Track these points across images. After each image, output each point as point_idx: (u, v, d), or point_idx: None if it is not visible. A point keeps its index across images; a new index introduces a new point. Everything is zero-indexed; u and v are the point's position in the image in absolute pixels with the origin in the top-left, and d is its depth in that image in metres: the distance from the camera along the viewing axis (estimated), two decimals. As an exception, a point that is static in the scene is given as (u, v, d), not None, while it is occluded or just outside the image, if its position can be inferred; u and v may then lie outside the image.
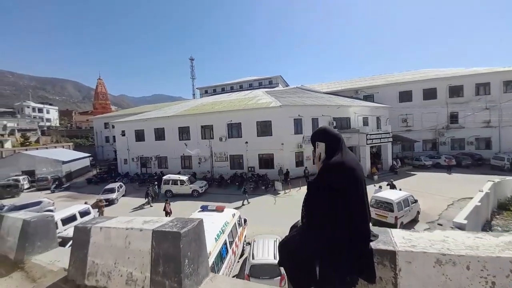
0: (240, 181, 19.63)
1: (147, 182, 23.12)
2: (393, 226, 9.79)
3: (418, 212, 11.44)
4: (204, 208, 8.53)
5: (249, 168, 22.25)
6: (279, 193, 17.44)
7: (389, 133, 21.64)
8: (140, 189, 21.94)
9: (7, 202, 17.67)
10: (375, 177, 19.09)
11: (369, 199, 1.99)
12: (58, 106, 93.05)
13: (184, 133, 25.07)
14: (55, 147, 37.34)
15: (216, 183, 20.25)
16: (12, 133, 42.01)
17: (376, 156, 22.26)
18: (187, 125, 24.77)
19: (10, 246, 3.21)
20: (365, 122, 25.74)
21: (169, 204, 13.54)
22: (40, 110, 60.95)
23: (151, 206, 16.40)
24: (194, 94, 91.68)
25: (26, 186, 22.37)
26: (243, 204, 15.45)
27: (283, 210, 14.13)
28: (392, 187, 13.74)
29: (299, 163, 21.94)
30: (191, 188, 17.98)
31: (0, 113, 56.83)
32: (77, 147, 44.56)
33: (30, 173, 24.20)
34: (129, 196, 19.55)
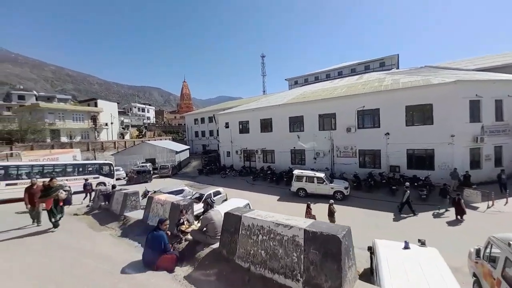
0: (405, 185, 14.78)
1: (260, 176, 21.19)
2: None
3: None
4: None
5: (391, 168, 17.10)
6: (477, 207, 11.73)
7: None
8: (256, 183, 20.04)
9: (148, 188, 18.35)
10: None
11: None
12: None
13: (296, 123, 21.97)
14: (160, 139, 41.31)
15: (355, 184, 16.00)
16: (127, 127, 49.56)
17: None
18: (300, 115, 21.55)
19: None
20: None
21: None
22: (143, 110, 71.66)
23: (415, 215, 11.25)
24: (264, 91, 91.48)
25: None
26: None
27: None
28: None
29: (475, 163, 15.40)
30: (332, 188, 14.34)
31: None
32: (173, 141, 48.97)
33: (152, 161, 26.11)
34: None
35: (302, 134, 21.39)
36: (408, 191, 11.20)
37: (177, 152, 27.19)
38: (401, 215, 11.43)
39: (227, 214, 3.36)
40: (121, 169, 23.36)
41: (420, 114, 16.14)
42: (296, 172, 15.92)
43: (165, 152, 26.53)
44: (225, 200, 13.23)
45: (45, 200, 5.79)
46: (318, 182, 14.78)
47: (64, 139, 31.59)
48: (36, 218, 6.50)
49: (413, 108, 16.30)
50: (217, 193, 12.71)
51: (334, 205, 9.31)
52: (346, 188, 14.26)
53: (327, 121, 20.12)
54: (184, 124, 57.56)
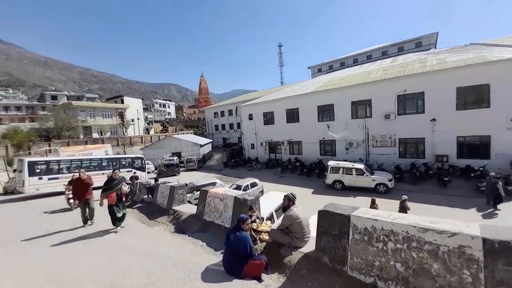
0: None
1: (288, 168, 20.45)
2: None
3: None
4: None
5: (437, 157, 15.49)
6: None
7: None
8: (284, 176, 19.38)
9: (173, 180, 18.46)
10: None
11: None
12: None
13: (325, 112, 20.76)
14: (183, 133, 41.94)
15: (397, 175, 14.68)
16: (151, 123, 51.04)
17: None
18: (330, 103, 20.26)
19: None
20: None
21: None
22: (164, 106, 73.46)
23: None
24: (282, 82, 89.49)
25: (177, 166, 24.05)
26: None
27: None
28: None
29: (538, 151, 13.38)
30: (373, 180, 13.24)
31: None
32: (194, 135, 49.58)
33: (178, 155, 26.46)
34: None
35: (332, 123, 20.18)
36: (500, 182, 9.63)
37: (201, 146, 27.27)
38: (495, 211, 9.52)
39: (324, 213, 2.71)
40: (150, 163, 23.89)
41: (474, 96, 14.24)
42: (331, 163, 14.95)
43: (189, 145, 26.71)
44: (261, 192, 12.76)
45: (107, 195, 5.22)
46: (357, 174, 13.74)
47: (95, 135, 33.15)
48: (89, 215, 6.10)
49: (465, 90, 14.41)
50: (253, 184, 12.25)
51: (407, 202, 7.95)
52: (390, 180, 13.07)
53: (361, 109, 18.70)
54: (204, 118, 58.08)
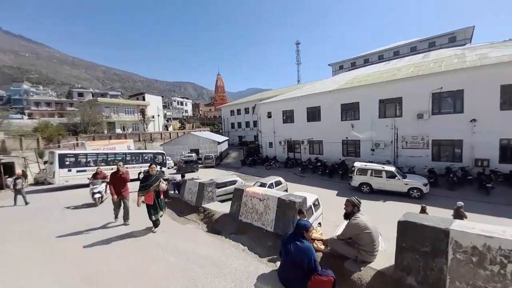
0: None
1: (309, 168, 19.78)
2: None
3: None
4: None
5: (476, 161, 14.15)
6: None
7: None
8: (305, 176, 18.76)
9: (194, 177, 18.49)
10: None
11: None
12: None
13: (349, 111, 19.82)
14: (200, 131, 42.41)
15: (431, 180, 13.56)
16: (169, 120, 52.24)
17: None
18: (355, 101, 19.29)
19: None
20: None
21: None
22: (182, 103, 74.98)
23: None
24: (299, 80, 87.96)
25: (195, 163, 24.18)
26: None
27: None
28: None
29: None
30: (406, 184, 12.30)
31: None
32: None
33: (196, 151, 26.68)
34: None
35: (357, 122, 19.22)
36: None
37: (219, 143, 27.30)
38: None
39: (407, 225, 2.24)
40: (170, 159, 24.27)
41: (524, 95, 12.79)
42: (358, 164, 14.16)
43: (207, 142, 26.84)
44: (286, 191, 12.33)
45: (145, 194, 4.73)
46: (387, 177, 12.86)
47: (118, 130, 34.43)
48: (124, 216, 5.65)
49: (511, 88, 12.98)
50: (278, 183, 11.86)
51: (462, 210, 6.94)
52: (425, 185, 12.07)
53: (390, 107, 17.60)
54: (219, 116, 58.48)
